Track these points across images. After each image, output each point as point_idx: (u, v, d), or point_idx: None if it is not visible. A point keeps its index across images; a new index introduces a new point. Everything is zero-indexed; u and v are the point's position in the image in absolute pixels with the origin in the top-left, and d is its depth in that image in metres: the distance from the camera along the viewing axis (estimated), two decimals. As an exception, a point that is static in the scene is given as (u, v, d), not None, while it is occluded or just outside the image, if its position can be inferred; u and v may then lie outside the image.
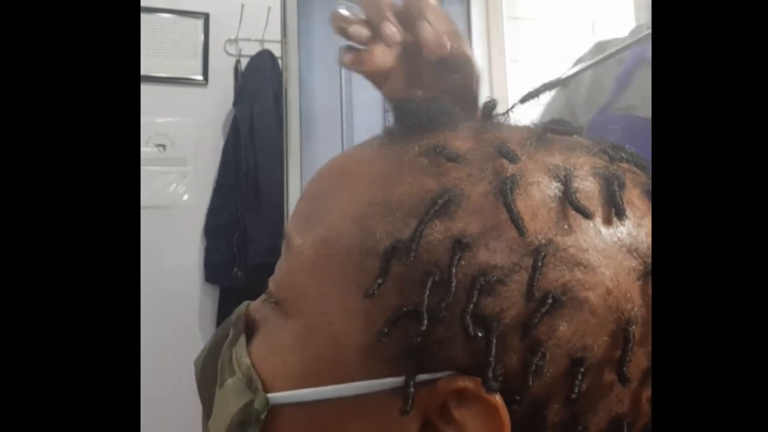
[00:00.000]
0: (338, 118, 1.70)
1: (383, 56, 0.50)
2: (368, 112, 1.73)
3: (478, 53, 1.91)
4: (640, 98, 0.66)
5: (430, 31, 0.48)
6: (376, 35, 0.49)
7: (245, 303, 0.39)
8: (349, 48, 0.51)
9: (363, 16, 0.49)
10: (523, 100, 0.41)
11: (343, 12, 0.48)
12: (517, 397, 0.28)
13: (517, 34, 1.95)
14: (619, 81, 0.68)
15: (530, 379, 0.27)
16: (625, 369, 0.28)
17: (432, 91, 0.51)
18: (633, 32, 0.74)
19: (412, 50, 0.50)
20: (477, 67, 0.54)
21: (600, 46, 0.76)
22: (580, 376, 0.28)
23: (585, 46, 0.77)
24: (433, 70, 0.52)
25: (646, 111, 0.64)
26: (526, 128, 0.34)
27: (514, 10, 1.96)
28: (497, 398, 0.27)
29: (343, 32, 0.49)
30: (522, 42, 1.94)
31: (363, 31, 0.48)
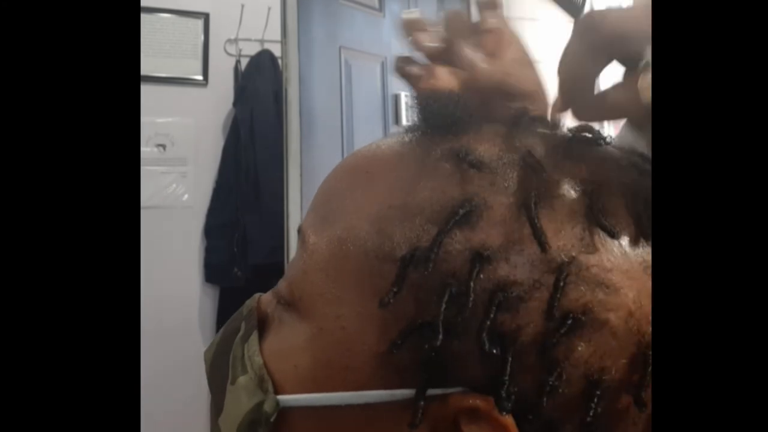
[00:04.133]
0: (338, 118, 1.70)
1: (447, 79, 0.41)
2: (368, 113, 1.73)
3: (478, 53, 1.91)
4: None
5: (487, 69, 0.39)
6: (449, 55, 0.41)
7: (256, 295, 0.38)
8: (408, 60, 0.42)
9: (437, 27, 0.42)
10: None
11: (416, 17, 0.39)
12: (530, 417, 0.27)
13: (517, 34, 1.94)
14: None
15: (545, 399, 0.27)
16: (642, 394, 0.27)
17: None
18: None
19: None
20: (546, 94, 0.46)
21: None
22: (596, 399, 0.27)
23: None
24: (491, 97, 0.44)
25: None
26: (554, 136, 0.33)
27: (514, 10, 1.96)
28: (509, 418, 0.27)
29: (414, 41, 0.41)
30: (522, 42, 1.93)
31: (433, 47, 0.40)
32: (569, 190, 0.29)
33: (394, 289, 0.28)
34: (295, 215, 1.49)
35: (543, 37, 2.00)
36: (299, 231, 0.34)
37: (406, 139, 0.34)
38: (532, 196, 0.28)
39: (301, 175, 1.51)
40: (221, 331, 0.38)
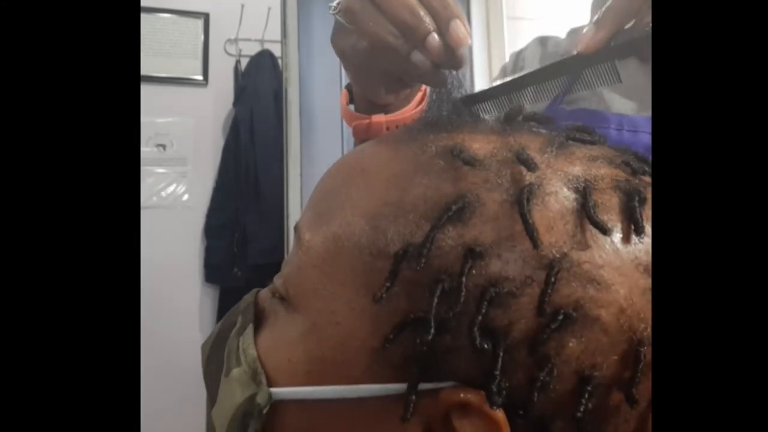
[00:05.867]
0: (338, 118, 1.70)
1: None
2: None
3: (477, 53, 1.91)
4: (589, 91, 0.65)
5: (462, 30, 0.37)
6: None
7: (254, 290, 0.38)
8: None
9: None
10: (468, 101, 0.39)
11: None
12: (521, 413, 0.27)
13: (517, 34, 1.95)
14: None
15: (535, 394, 0.27)
16: (633, 390, 0.28)
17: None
18: (570, 33, 0.74)
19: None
20: None
21: (541, 41, 0.76)
22: (587, 395, 0.27)
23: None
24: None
25: (593, 103, 0.64)
26: (547, 134, 0.33)
27: (514, 10, 1.96)
28: (500, 413, 0.27)
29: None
30: (522, 42, 1.94)
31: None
32: (562, 188, 0.29)
33: (387, 285, 0.28)
34: (295, 215, 1.49)
35: (543, 37, 2.00)
36: (295, 228, 0.34)
37: (402, 137, 0.34)
38: (525, 193, 0.28)
39: (301, 175, 1.51)
40: (218, 324, 0.38)
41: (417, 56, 0.36)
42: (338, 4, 0.40)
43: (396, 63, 0.39)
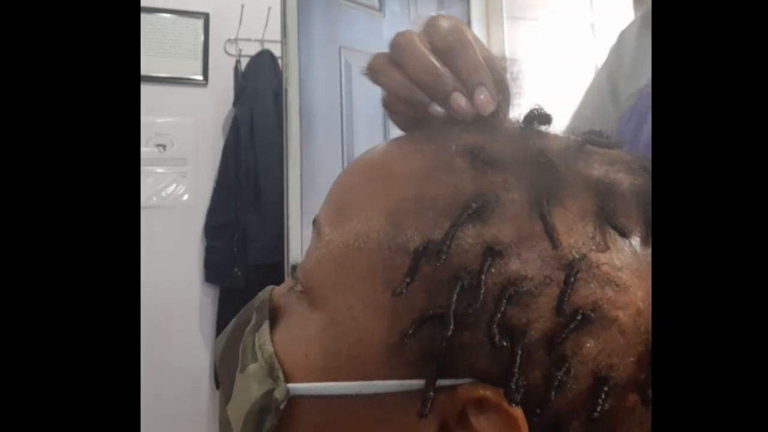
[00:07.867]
0: (338, 118, 1.70)
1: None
2: (368, 112, 1.73)
3: (477, 53, 1.91)
4: None
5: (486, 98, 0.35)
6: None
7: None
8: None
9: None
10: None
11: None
12: (538, 411, 0.28)
13: (517, 34, 1.95)
14: None
15: (552, 393, 0.27)
16: (649, 392, 0.28)
17: None
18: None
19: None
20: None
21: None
22: (603, 395, 0.27)
23: (585, 46, 0.77)
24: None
25: None
26: (567, 138, 0.33)
27: (514, 10, 1.96)
28: (518, 410, 0.27)
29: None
30: (522, 42, 1.94)
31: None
32: (581, 190, 0.30)
33: (407, 280, 0.28)
34: (295, 215, 1.49)
35: (544, 37, 2.00)
36: (314, 222, 0.35)
37: (422, 136, 0.34)
38: (544, 194, 0.28)
39: (301, 175, 1.51)
40: (233, 321, 0.39)
41: (433, 108, 0.36)
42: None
43: (415, 113, 0.37)
